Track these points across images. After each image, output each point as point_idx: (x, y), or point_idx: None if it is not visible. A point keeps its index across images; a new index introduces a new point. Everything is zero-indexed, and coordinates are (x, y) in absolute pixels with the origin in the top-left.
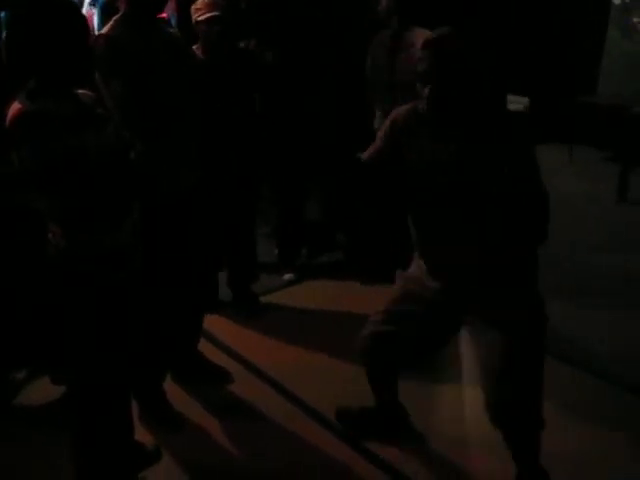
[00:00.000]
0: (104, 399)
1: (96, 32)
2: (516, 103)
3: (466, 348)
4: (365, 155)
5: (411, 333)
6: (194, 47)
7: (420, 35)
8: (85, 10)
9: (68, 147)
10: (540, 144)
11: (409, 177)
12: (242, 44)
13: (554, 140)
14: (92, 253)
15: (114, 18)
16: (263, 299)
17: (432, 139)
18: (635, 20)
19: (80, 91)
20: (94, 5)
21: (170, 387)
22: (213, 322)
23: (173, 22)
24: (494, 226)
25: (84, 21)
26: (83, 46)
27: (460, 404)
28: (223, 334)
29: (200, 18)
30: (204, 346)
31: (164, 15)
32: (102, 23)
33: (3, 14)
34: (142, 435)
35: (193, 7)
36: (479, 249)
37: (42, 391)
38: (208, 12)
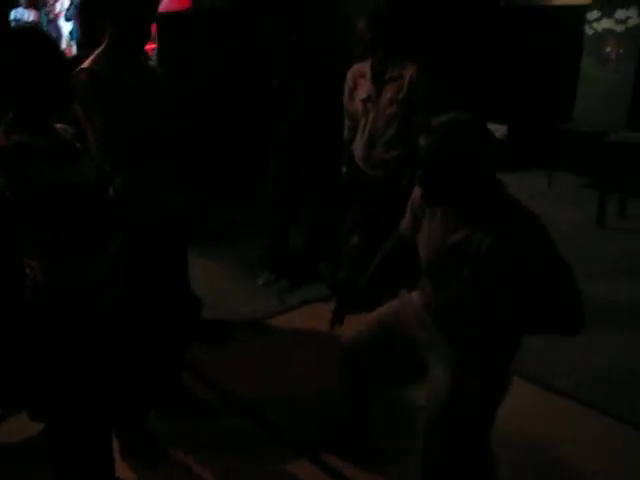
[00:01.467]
0: (84, 434)
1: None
2: (494, 131)
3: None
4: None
5: (385, 352)
6: None
7: (407, 67)
8: (64, 44)
9: (46, 181)
10: (520, 171)
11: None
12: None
13: (534, 167)
14: (70, 286)
15: (96, 52)
16: (244, 330)
17: (430, 219)
18: (607, 49)
19: (59, 125)
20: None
21: (153, 421)
22: (198, 353)
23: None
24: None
25: (62, 55)
26: (61, 80)
27: None
28: (207, 365)
29: None
30: (188, 378)
31: (149, 47)
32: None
33: None
34: (123, 471)
35: None
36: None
37: (20, 427)
38: None
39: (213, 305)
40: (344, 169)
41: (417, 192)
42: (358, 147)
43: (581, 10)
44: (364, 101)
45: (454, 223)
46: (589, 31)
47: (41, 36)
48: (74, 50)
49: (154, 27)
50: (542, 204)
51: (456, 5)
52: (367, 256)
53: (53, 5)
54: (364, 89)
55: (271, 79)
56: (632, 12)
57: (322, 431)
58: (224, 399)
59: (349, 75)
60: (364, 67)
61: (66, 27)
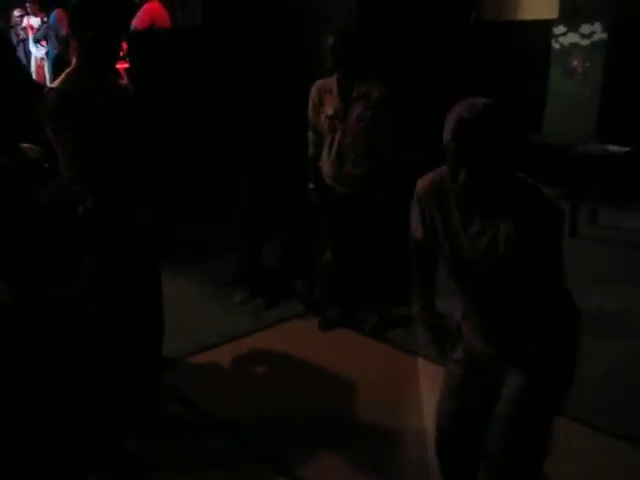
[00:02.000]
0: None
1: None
2: None
3: None
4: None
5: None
6: None
7: (375, 84)
8: (34, 63)
9: (13, 202)
10: None
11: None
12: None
13: None
14: (38, 309)
15: (66, 71)
16: (220, 348)
17: (461, 211)
18: (574, 63)
19: (26, 145)
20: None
21: (129, 442)
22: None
23: None
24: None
25: (27, 75)
26: (26, 101)
27: None
28: (183, 383)
29: None
30: (165, 397)
31: (121, 66)
32: (54, 76)
33: None
34: None
35: None
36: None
37: None
38: None
39: (189, 324)
40: (311, 186)
41: (422, 188)
42: (326, 164)
43: (548, 25)
44: (331, 117)
45: (473, 213)
46: (556, 45)
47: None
48: (47, 70)
49: (125, 45)
50: None
51: (426, 21)
52: (340, 273)
53: (21, 26)
54: (331, 105)
55: (243, 95)
56: (596, 27)
57: None
58: (200, 418)
59: (314, 90)
60: (330, 83)
61: (37, 48)
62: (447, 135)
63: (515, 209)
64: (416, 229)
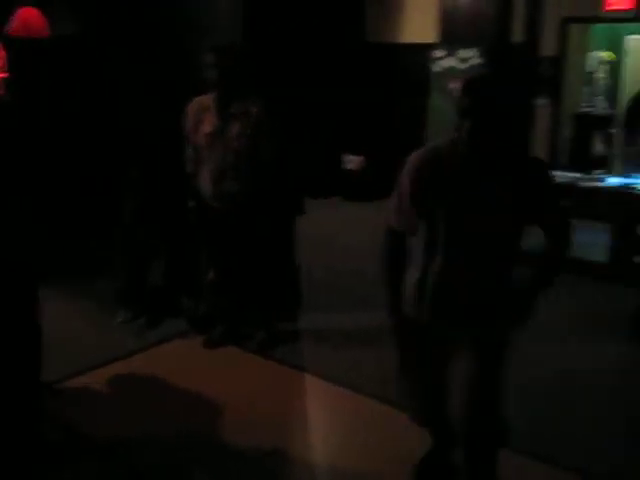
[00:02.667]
0: None
1: None
2: (350, 162)
3: None
4: (395, 223)
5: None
6: None
7: (253, 103)
8: None
9: None
10: (377, 200)
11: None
12: None
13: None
14: None
15: None
16: (101, 370)
17: (466, 172)
18: (451, 85)
19: None
20: None
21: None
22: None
23: None
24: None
25: None
26: None
27: None
28: (62, 407)
29: None
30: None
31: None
32: None
33: None
34: None
35: None
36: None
37: None
38: None
39: (69, 346)
40: (191, 203)
41: (416, 162)
42: (205, 182)
43: (428, 48)
44: (209, 135)
45: (476, 172)
46: (435, 68)
47: None
48: None
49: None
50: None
51: (310, 42)
52: (224, 291)
53: None
54: (209, 123)
55: (124, 113)
56: (473, 52)
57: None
58: (80, 442)
59: (191, 107)
60: (208, 100)
61: None
62: (460, 96)
63: (516, 169)
64: (397, 212)
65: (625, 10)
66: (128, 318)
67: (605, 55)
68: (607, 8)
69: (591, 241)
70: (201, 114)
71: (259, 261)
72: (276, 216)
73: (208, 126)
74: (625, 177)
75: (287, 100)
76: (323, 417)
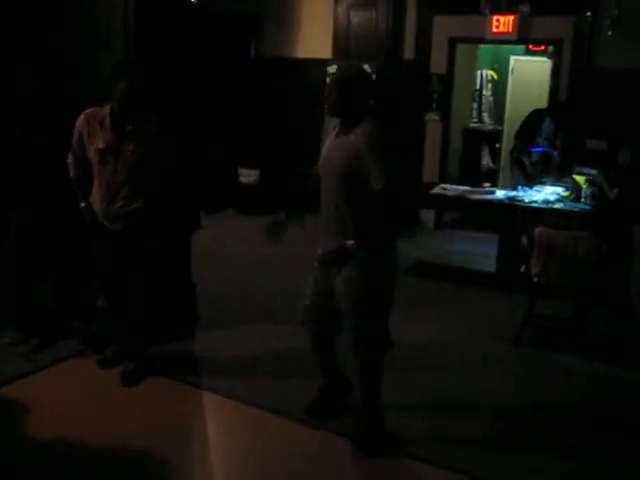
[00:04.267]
0: None
1: None
2: (247, 176)
3: None
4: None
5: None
6: None
7: (149, 119)
8: None
9: None
10: (271, 213)
11: None
12: None
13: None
14: None
15: None
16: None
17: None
18: None
19: None
20: None
21: None
22: None
23: None
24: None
25: None
26: None
27: None
28: None
29: None
30: None
31: None
32: None
33: None
34: None
35: None
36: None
37: None
38: None
39: None
40: (82, 204)
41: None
42: (96, 200)
43: (323, 64)
44: (102, 151)
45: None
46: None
47: None
48: None
49: None
50: (298, 243)
51: (207, 57)
52: (115, 312)
53: None
54: (103, 138)
55: (13, 125)
56: (366, 68)
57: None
58: None
59: (82, 119)
60: (102, 113)
61: None
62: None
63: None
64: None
65: (507, 33)
66: (17, 339)
67: (491, 73)
68: (492, 31)
69: (480, 252)
70: (93, 128)
71: (146, 283)
72: (171, 232)
73: (100, 142)
74: (511, 190)
75: (183, 115)
76: (217, 431)
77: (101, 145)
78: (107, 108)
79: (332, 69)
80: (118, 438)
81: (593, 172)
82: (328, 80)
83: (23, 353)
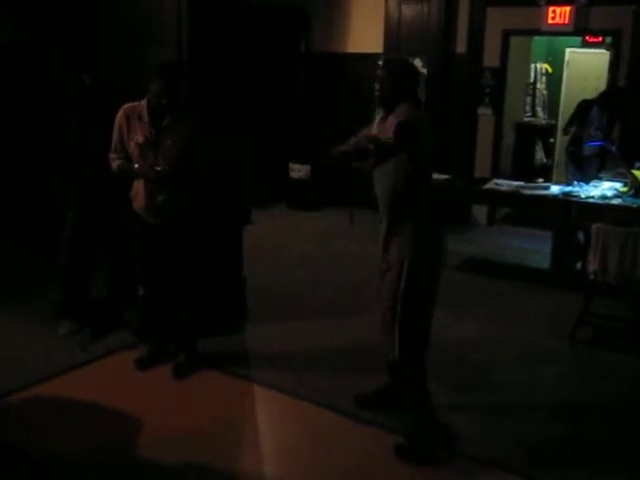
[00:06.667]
0: None
1: None
2: (298, 171)
3: None
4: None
5: None
6: None
7: (186, 115)
8: None
9: None
10: (323, 209)
11: None
12: None
13: (336, 205)
14: None
15: None
16: (46, 384)
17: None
18: None
19: None
20: None
21: None
22: None
23: None
24: None
25: None
26: None
27: None
28: (7, 425)
29: None
30: None
31: None
32: None
33: None
34: None
35: None
36: None
37: None
38: None
39: (13, 362)
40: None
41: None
42: (138, 194)
43: (374, 57)
44: (141, 145)
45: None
46: None
47: None
48: None
49: None
50: (346, 238)
51: (256, 51)
52: (154, 308)
53: None
54: (141, 132)
55: (68, 124)
56: (418, 62)
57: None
58: (22, 461)
59: (122, 114)
60: (139, 108)
61: None
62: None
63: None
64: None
65: (564, 24)
66: (72, 330)
67: (545, 66)
68: (548, 22)
69: (533, 248)
70: (132, 123)
71: (191, 277)
72: (222, 227)
73: (139, 136)
74: (566, 185)
75: (234, 111)
76: (271, 427)
77: (140, 139)
78: (144, 102)
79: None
80: (169, 430)
81: None
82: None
83: (78, 344)
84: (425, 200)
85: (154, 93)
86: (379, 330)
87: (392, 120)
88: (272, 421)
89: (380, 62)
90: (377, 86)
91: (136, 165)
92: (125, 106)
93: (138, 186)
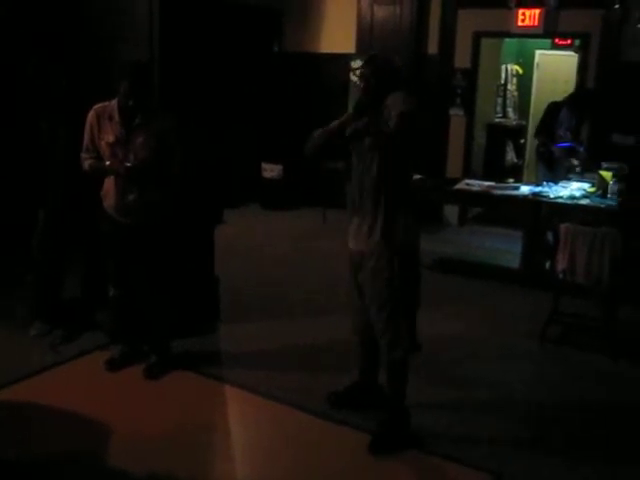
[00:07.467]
0: None
1: None
2: (270, 171)
3: None
4: None
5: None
6: None
7: (157, 114)
8: None
9: None
10: (296, 209)
11: None
12: None
13: (308, 204)
14: None
15: None
16: (15, 386)
17: None
18: None
19: None
20: None
21: None
22: None
23: None
24: None
25: None
26: None
27: None
28: None
29: None
30: None
31: None
32: None
33: None
34: None
35: None
36: None
37: None
38: None
39: None
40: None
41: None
42: (109, 194)
43: (346, 57)
44: (112, 144)
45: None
46: (353, 77)
47: None
48: None
49: None
50: (319, 237)
51: (228, 50)
52: (126, 308)
53: None
54: (112, 132)
55: (39, 123)
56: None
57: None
58: None
59: (92, 115)
60: (110, 108)
61: None
62: None
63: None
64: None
65: (533, 27)
66: (43, 331)
67: (516, 68)
68: (518, 24)
69: (504, 248)
70: (102, 123)
71: (164, 277)
72: (193, 227)
73: (110, 135)
74: (535, 186)
75: (205, 110)
76: (245, 429)
77: (111, 139)
78: (114, 102)
79: (355, 64)
80: (140, 433)
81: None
82: (356, 72)
83: (48, 345)
84: (410, 190)
85: (122, 93)
86: (352, 329)
87: (391, 108)
88: (246, 423)
89: (357, 63)
90: (361, 84)
91: (107, 162)
92: (96, 106)
93: (109, 184)
